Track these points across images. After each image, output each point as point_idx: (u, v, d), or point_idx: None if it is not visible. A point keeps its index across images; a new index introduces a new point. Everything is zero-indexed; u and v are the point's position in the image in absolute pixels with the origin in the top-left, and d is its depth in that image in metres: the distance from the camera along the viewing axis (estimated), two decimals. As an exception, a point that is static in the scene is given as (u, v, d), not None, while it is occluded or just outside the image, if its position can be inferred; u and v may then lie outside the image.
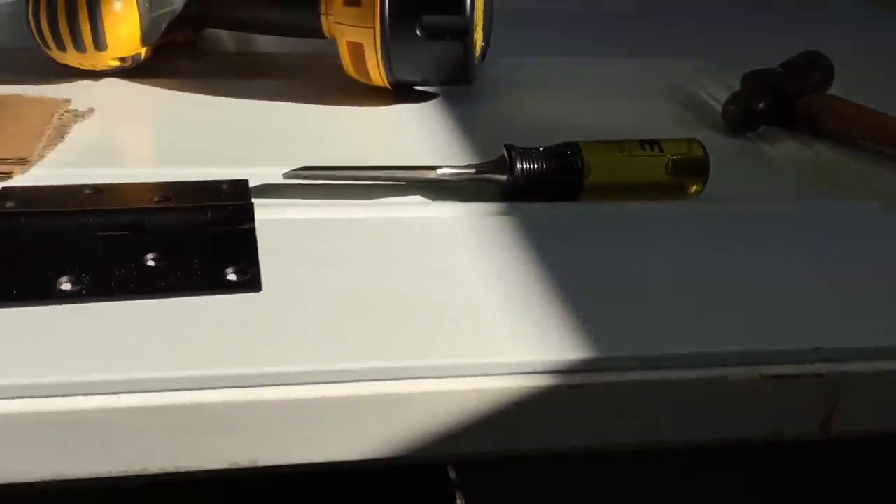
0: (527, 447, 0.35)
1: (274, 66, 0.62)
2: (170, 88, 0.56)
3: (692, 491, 0.60)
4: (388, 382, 0.33)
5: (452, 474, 0.54)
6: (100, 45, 0.52)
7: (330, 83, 0.58)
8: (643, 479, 0.63)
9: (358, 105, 0.56)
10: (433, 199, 0.45)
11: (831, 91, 0.58)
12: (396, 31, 0.52)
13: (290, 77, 0.60)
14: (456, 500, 0.53)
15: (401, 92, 0.57)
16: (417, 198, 0.46)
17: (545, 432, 0.34)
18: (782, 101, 0.56)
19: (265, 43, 0.64)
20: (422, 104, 0.57)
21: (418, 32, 0.52)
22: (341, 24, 0.53)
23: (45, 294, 0.34)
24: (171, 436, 0.32)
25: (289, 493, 0.53)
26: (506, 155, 0.45)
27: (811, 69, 0.58)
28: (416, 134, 0.53)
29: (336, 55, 0.55)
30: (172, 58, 0.60)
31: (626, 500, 0.63)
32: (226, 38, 0.65)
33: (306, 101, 0.56)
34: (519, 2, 0.83)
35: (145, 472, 0.32)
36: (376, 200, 0.45)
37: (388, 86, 0.55)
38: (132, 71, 0.56)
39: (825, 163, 0.52)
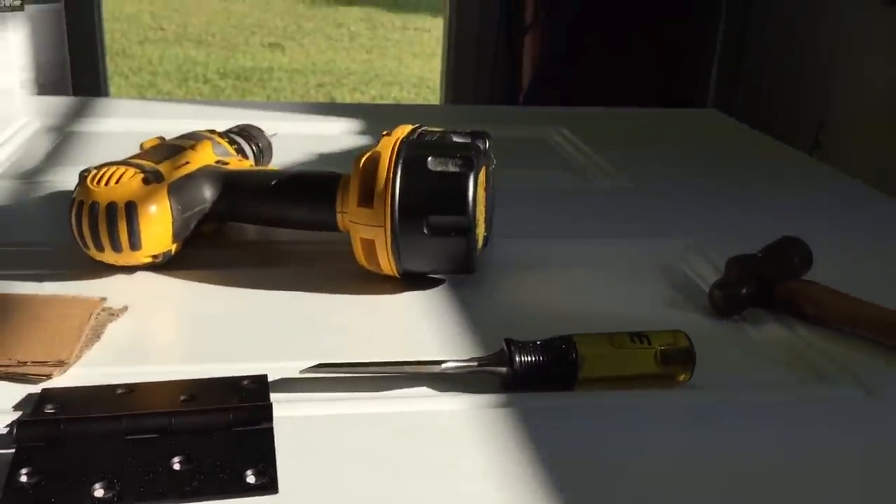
0: None
1: (292, 254, 0.67)
2: (196, 280, 0.61)
3: None
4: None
5: None
6: (135, 245, 0.57)
7: (345, 270, 0.62)
8: None
9: (370, 293, 0.60)
10: (439, 390, 0.49)
11: (810, 273, 0.62)
12: (405, 229, 0.57)
13: (308, 264, 0.65)
14: None
15: (409, 279, 0.61)
16: (424, 389, 0.49)
17: None
18: (764, 285, 0.60)
19: (281, 232, 0.70)
20: (428, 290, 0.61)
21: (425, 230, 0.57)
22: (355, 222, 0.58)
23: (80, 502, 0.37)
24: None
25: None
26: (505, 349, 0.49)
27: (790, 254, 0.63)
28: (423, 322, 0.57)
29: (348, 242, 0.60)
30: (200, 247, 0.65)
31: None
32: (247, 227, 0.71)
33: (322, 290, 0.60)
34: (518, 181, 0.90)
35: None
36: (386, 393, 0.48)
37: (397, 275, 0.60)
38: (162, 264, 0.61)
39: (805, 347, 0.56)
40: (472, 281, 0.63)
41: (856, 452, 0.45)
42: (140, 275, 0.60)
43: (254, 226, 0.71)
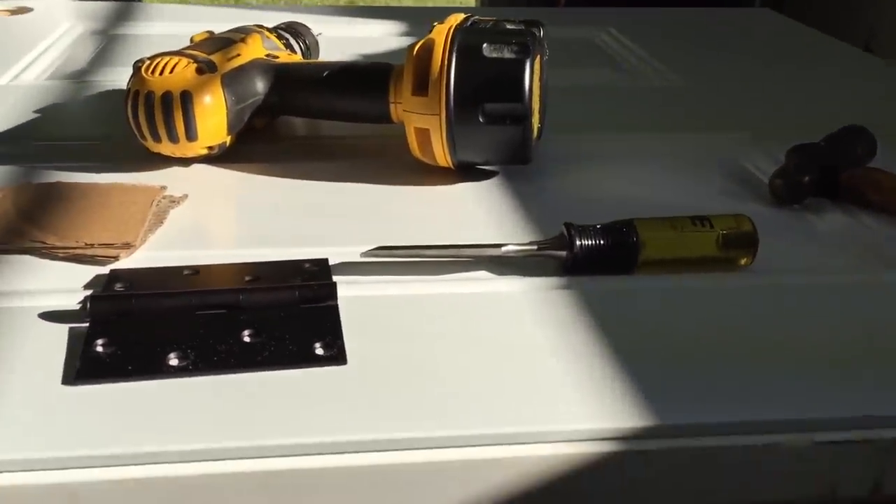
0: (594, 510, 0.37)
1: (344, 148, 0.66)
2: (252, 172, 0.61)
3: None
4: (466, 449, 0.36)
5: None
6: (191, 136, 0.57)
7: (396, 163, 0.62)
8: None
9: (424, 184, 0.60)
10: (498, 273, 0.49)
11: (873, 164, 0.61)
12: (461, 118, 0.56)
13: (360, 158, 0.64)
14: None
15: (463, 171, 0.61)
16: (483, 273, 0.49)
17: (606, 498, 0.37)
18: (827, 174, 0.59)
19: (332, 127, 0.69)
20: (483, 182, 0.61)
21: (481, 119, 0.56)
22: (409, 111, 0.57)
23: (157, 369, 0.38)
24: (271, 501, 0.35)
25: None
26: (565, 232, 0.49)
27: (854, 143, 0.61)
28: (479, 211, 0.57)
29: (400, 135, 0.60)
30: (252, 142, 0.65)
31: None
32: (298, 123, 0.70)
33: (375, 182, 0.60)
34: (566, 79, 0.88)
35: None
36: (445, 276, 0.49)
37: (451, 166, 0.60)
38: (217, 157, 0.61)
39: (871, 234, 0.55)
40: (527, 173, 0.62)
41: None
42: (196, 167, 0.61)
43: (305, 121, 0.70)
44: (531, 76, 0.56)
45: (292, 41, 0.72)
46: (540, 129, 0.63)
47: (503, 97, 0.56)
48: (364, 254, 0.48)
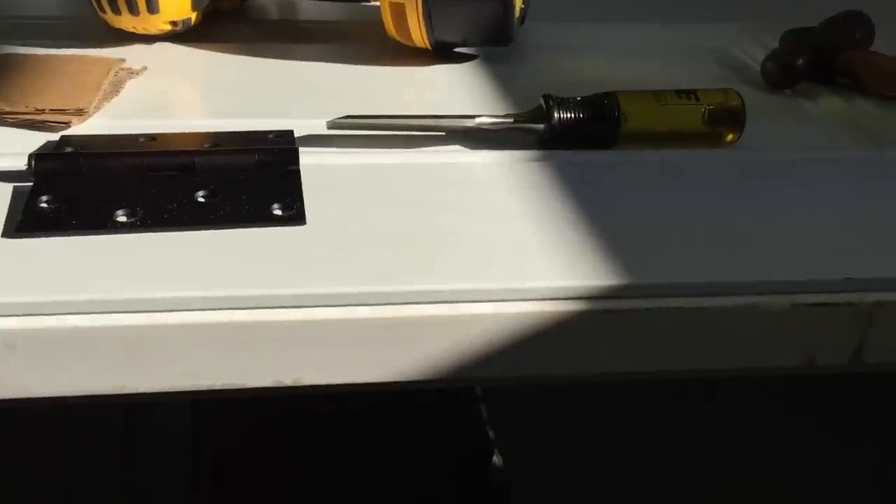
0: (561, 373, 0.36)
1: (318, 31, 0.64)
2: (219, 51, 0.58)
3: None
4: (429, 305, 0.34)
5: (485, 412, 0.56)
6: (153, 8, 0.54)
7: (372, 47, 0.59)
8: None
9: (400, 65, 0.57)
10: (472, 147, 0.47)
11: (872, 49, 0.58)
12: (437, -10, 0.53)
13: (334, 41, 0.62)
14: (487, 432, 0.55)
15: (442, 53, 0.58)
16: (457, 146, 0.47)
17: (576, 358, 0.36)
18: (822, 57, 0.56)
19: (307, 11, 0.66)
20: (462, 64, 0.58)
21: (458, -8, 0.53)
22: (383, -15, 0.54)
23: (102, 225, 0.36)
24: (220, 354, 0.33)
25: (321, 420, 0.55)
26: (543, 104, 0.46)
27: (852, 27, 0.58)
28: (457, 90, 0.54)
29: (377, 22, 0.57)
30: (220, 24, 0.62)
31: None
32: (270, 6, 0.67)
33: (349, 63, 0.57)
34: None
35: (195, 389, 0.34)
36: (417, 149, 0.46)
37: (429, 47, 0.57)
38: (182, 35, 0.58)
39: (864, 116, 0.52)
40: (509, 56, 0.59)
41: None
42: (160, 44, 0.58)
43: (280, 4, 0.67)
44: (512, -54, 0.53)
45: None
46: (523, 11, 0.60)
47: (482, -32, 0.53)
48: (330, 123, 0.45)
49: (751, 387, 1.15)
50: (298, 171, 0.41)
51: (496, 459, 0.66)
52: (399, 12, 0.55)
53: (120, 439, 0.92)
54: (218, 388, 0.34)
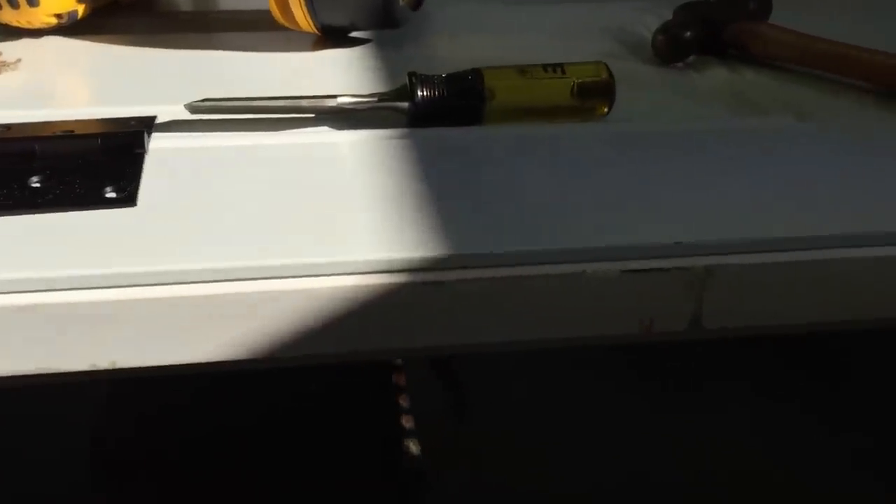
0: (391, 346, 0.35)
1: (218, 21, 0.63)
2: (107, 43, 0.58)
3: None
4: (243, 283, 0.34)
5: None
6: (32, 1, 0.54)
7: (267, 34, 0.59)
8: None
9: (291, 51, 0.57)
10: (341, 128, 0.46)
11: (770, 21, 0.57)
12: (316, -27, 0.52)
13: (229, 30, 0.61)
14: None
15: (333, 37, 0.58)
16: (324, 128, 0.46)
17: (408, 331, 0.35)
18: (712, 29, 0.55)
19: (221, 1, 0.66)
20: (350, 48, 0.58)
21: (338, -27, 0.52)
22: (264, -31, 0.54)
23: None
24: (35, 338, 0.33)
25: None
26: (407, 82, 0.46)
27: (746, 0, 0.57)
28: (337, 74, 0.54)
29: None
30: (118, 16, 0.62)
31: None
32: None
33: (240, 50, 0.57)
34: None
35: (15, 374, 0.33)
36: (282, 131, 0.46)
37: (316, 31, 0.56)
38: (74, 29, 0.58)
39: (749, 87, 0.52)
40: (400, 39, 0.59)
41: (786, 174, 0.42)
42: (48, 38, 0.57)
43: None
44: (390, -74, 0.52)
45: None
46: (415, -7, 0.59)
47: (359, -51, 0.52)
48: (189, 106, 0.45)
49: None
50: (142, 155, 0.41)
51: (412, 447, 0.66)
52: (282, -2, 0.54)
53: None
54: (34, 372, 0.33)
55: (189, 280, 0.33)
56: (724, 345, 1.22)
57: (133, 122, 0.45)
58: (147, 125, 0.44)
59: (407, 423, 0.69)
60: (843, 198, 0.40)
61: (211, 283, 0.33)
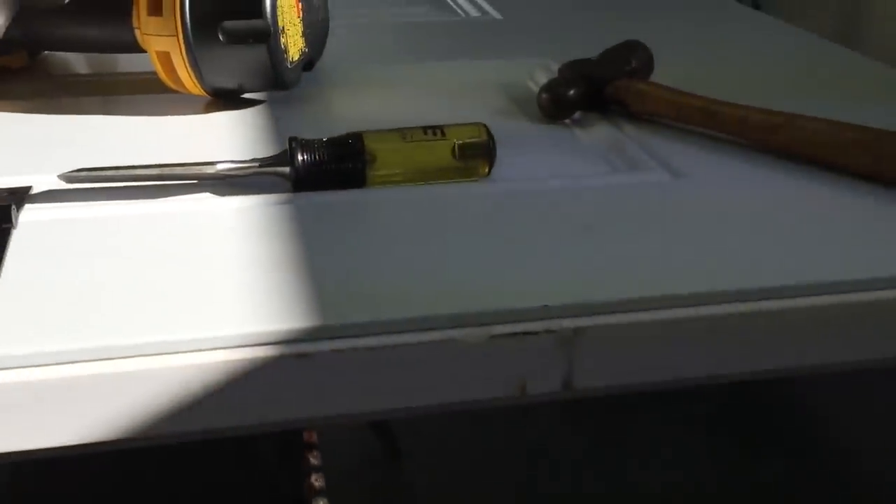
0: (259, 420, 0.35)
1: (114, 84, 0.63)
2: (-10, 109, 0.57)
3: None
4: (106, 362, 0.33)
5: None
6: None
7: (160, 98, 0.59)
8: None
9: (179, 115, 0.57)
10: (223, 194, 0.46)
11: (654, 78, 0.59)
12: (199, 37, 0.53)
13: (124, 93, 0.61)
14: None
15: (224, 99, 0.58)
16: (206, 195, 0.46)
17: (277, 404, 0.35)
18: (595, 87, 0.57)
19: (120, 63, 0.66)
20: (242, 110, 0.58)
21: (221, 38, 0.52)
22: (148, 34, 0.54)
23: None
24: None
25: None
26: (287, 147, 0.46)
27: (628, 56, 0.59)
28: (228, 138, 0.54)
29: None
30: (7, 80, 0.61)
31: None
32: (73, 59, 0.66)
33: (126, 114, 0.57)
34: (378, 15, 0.85)
35: None
36: (162, 199, 0.45)
37: (206, 94, 0.56)
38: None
39: (628, 142, 0.53)
40: (294, 101, 0.59)
41: (659, 231, 0.43)
42: (-73, 105, 0.56)
43: (79, 56, 0.66)
44: (275, -8, 0.53)
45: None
46: (307, 54, 0.60)
47: (243, 13, 0.52)
48: (63, 176, 0.44)
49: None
50: (9, 230, 0.40)
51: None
52: (167, 60, 0.54)
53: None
54: None
55: (49, 362, 0.32)
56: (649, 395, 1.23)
57: (5, 195, 0.44)
58: (18, 197, 0.43)
59: (317, 481, 0.67)
60: (714, 253, 0.41)
61: (73, 364, 0.33)
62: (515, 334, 0.35)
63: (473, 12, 0.87)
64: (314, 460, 0.66)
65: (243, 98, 0.59)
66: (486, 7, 0.88)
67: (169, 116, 0.56)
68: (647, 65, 0.60)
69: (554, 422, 1.26)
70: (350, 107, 0.60)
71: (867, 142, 0.48)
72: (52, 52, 0.66)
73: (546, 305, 0.36)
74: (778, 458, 1.20)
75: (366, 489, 0.86)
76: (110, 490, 0.64)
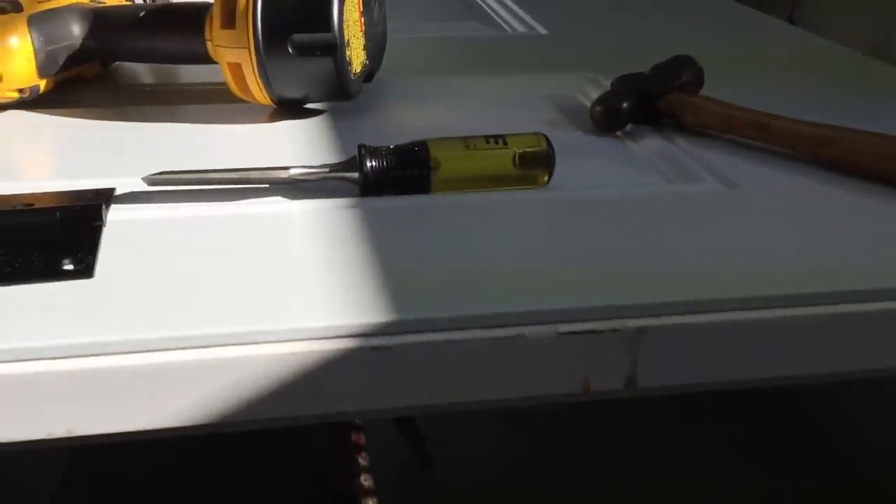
0: (337, 410, 0.37)
1: (180, 94, 0.65)
2: (69, 117, 0.59)
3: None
4: (189, 351, 0.35)
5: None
6: (-5, 76, 0.56)
7: (224, 107, 0.61)
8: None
9: (246, 123, 0.59)
10: (292, 198, 0.48)
11: (703, 92, 0.61)
12: (270, 49, 0.55)
13: (189, 103, 0.63)
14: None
15: (288, 109, 0.60)
16: (277, 198, 0.48)
17: (355, 395, 0.37)
18: (647, 100, 0.59)
19: (183, 74, 0.68)
20: (306, 119, 0.60)
21: (290, 50, 0.55)
22: (220, 46, 0.56)
23: None
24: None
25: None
26: (357, 154, 0.48)
27: (679, 71, 0.61)
28: (295, 146, 0.56)
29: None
30: (81, 90, 0.64)
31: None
32: (134, 72, 0.69)
33: (200, 122, 0.59)
34: (435, 30, 0.88)
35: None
36: (236, 202, 0.48)
37: (272, 104, 0.59)
38: (36, 103, 0.59)
39: (680, 154, 0.55)
40: (355, 112, 0.61)
41: (716, 238, 0.44)
42: (10, 112, 0.59)
43: (147, 66, 0.69)
44: (341, 6, 0.55)
45: (132, -9, 0.71)
46: (367, 66, 0.62)
47: (312, 27, 0.55)
48: (146, 178, 0.47)
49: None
50: (100, 227, 0.42)
51: (370, 506, 0.66)
52: (238, 72, 0.57)
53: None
54: (-9, 441, 0.34)
55: (143, 349, 0.35)
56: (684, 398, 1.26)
57: (91, 195, 0.46)
58: (105, 198, 0.46)
59: (366, 481, 0.69)
60: (769, 259, 0.42)
61: (165, 352, 0.35)
62: (581, 332, 0.37)
63: (520, 28, 0.89)
64: (363, 461, 0.68)
65: (306, 108, 0.61)
66: (532, 23, 0.90)
67: (236, 125, 0.59)
68: (698, 78, 0.62)
69: (580, 432, 1.28)
70: (409, 117, 0.62)
71: (918, 155, 0.49)
72: (123, 63, 0.69)
73: (611, 305, 0.37)
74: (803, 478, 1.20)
75: (409, 490, 0.87)
76: (165, 477, 0.66)
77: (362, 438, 0.75)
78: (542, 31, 0.87)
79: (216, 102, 0.62)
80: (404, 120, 0.62)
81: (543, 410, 1.31)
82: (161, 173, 0.47)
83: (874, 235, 0.45)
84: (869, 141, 0.51)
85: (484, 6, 0.99)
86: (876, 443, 1.36)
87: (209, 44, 0.58)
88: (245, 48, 0.55)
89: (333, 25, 0.55)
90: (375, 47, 0.63)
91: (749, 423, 1.36)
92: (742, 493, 1.21)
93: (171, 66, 0.70)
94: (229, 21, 0.56)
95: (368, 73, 0.63)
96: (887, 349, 0.41)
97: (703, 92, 0.60)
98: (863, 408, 1.40)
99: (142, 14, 0.60)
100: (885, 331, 0.40)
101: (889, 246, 0.44)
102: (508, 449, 1.26)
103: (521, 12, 0.93)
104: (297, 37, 0.55)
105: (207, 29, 0.58)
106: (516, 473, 1.22)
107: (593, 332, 0.37)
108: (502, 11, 0.96)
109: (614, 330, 0.37)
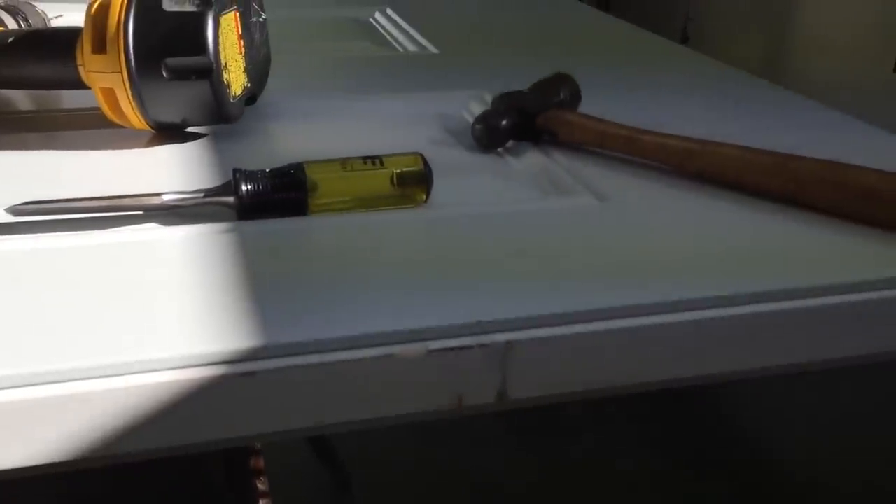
0: (207, 438, 0.36)
1: (56, 120, 0.64)
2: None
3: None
4: (57, 385, 0.34)
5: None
6: None
7: (104, 133, 0.60)
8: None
9: (123, 149, 0.58)
10: (166, 225, 0.47)
11: (581, 109, 0.63)
12: (142, 73, 0.54)
13: (68, 129, 0.62)
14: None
15: (168, 133, 0.59)
16: (152, 225, 0.48)
17: (224, 422, 0.36)
18: (527, 117, 0.60)
19: (65, 100, 0.67)
20: (186, 143, 0.59)
21: (164, 74, 0.54)
22: (92, 71, 0.55)
23: None
24: None
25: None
26: (232, 178, 0.48)
27: (557, 88, 0.63)
28: (173, 170, 0.55)
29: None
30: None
31: None
32: (19, 98, 0.67)
33: (76, 150, 0.58)
34: (332, 51, 0.88)
35: None
36: (109, 230, 0.47)
37: (150, 129, 0.58)
38: None
39: (556, 168, 0.56)
40: (237, 133, 0.61)
41: (586, 250, 0.46)
42: None
43: (28, 95, 0.67)
44: (216, 29, 0.55)
45: (6, 18, 0.69)
46: (249, 89, 0.62)
47: (186, 51, 0.54)
48: (10, 209, 0.45)
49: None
50: (-44, 262, 0.41)
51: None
52: (111, 97, 0.56)
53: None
54: None
55: (4, 386, 0.34)
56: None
57: (-48, 228, 0.45)
58: (-33, 230, 0.44)
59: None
60: (636, 269, 0.44)
61: (25, 388, 0.34)
62: (451, 349, 0.37)
63: (412, 47, 0.90)
64: (262, 486, 0.67)
65: (186, 132, 0.60)
66: (425, 42, 0.91)
67: (113, 150, 0.58)
68: (576, 96, 0.63)
69: (500, 447, 1.29)
70: (292, 139, 0.62)
71: (776, 165, 0.51)
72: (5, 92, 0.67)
73: (479, 321, 0.38)
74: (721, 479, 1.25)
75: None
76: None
77: (261, 463, 0.74)
78: (434, 50, 0.88)
79: (97, 128, 0.61)
80: (288, 142, 0.62)
81: (463, 422, 1.32)
82: (26, 203, 0.45)
83: (735, 242, 0.47)
84: (731, 152, 0.53)
85: (377, 26, 1.00)
86: (774, 431, 1.43)
87: (81, 69, 0.57)
88: (118, 73, 0.54)
89: (208, 48, 0.54)
90: (257, 69, 0.63)
91: (662, 421, 1.40)
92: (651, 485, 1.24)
93: (51, 91, 0.68)
94: (100, 46, 0.55)
95: (251, 96, 0.62)
96: (754, 350, 0.43)
97: (582, 108, 0.62)
98: (761, 399, 1.48)
99: (10, 40, 0.59)
100: (752, 332, 0.42)
101: (749, 251, 0.46)
102: (429, 465, 1.26)
103: (413, 32, 0.94)
104: (171, 61, 0.54)
105: (79, 54, 0.57)
106: (437, 491, 1.22)
107: (462, 347, 0.38)
108: (395, 32, 0.96)
109: (482, 345, 0.38)
